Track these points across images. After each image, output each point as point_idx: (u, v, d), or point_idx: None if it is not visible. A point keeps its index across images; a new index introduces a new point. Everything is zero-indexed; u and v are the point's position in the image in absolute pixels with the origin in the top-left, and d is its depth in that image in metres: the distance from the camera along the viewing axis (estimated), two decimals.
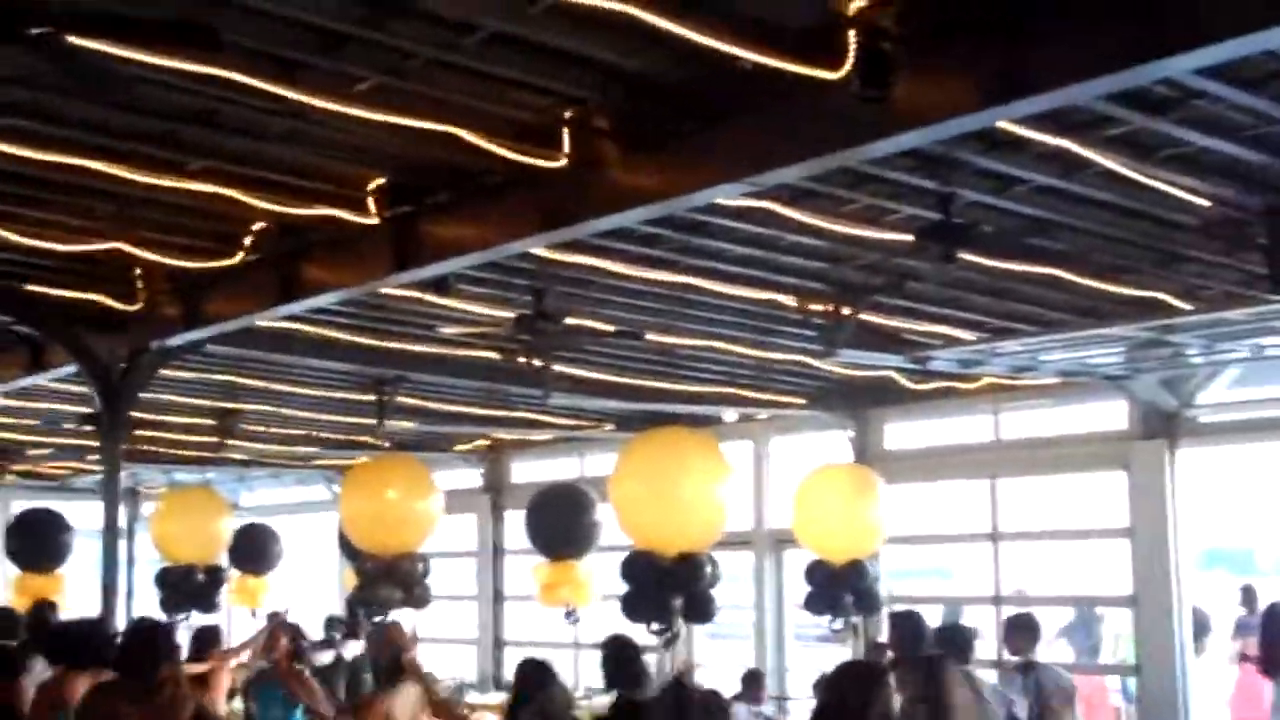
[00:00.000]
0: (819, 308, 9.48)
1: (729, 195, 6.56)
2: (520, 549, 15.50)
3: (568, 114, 6.24)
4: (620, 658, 7.97)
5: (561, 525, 12.13)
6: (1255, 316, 8.96)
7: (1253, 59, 5.13)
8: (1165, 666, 11.97)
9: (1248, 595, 13.87)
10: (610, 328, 10.22)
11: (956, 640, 8.65)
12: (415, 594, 11.52)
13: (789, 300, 9.42)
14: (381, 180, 7.19)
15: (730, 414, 14.37)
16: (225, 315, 9.19)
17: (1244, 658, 13.35)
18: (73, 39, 4.83)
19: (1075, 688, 9.61)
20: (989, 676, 9.34)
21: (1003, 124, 5.84)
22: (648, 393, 12.96)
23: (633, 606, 9.18)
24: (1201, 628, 12.88)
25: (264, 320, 9.39)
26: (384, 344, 11.07)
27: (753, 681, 12.52)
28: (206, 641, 11.66)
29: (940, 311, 9.87)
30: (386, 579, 11.45)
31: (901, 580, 14.87)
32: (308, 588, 19.38)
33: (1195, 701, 12.01)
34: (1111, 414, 12.57)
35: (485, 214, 7.15)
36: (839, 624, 12.10)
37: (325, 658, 12.39)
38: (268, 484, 22.39)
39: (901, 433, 14.37)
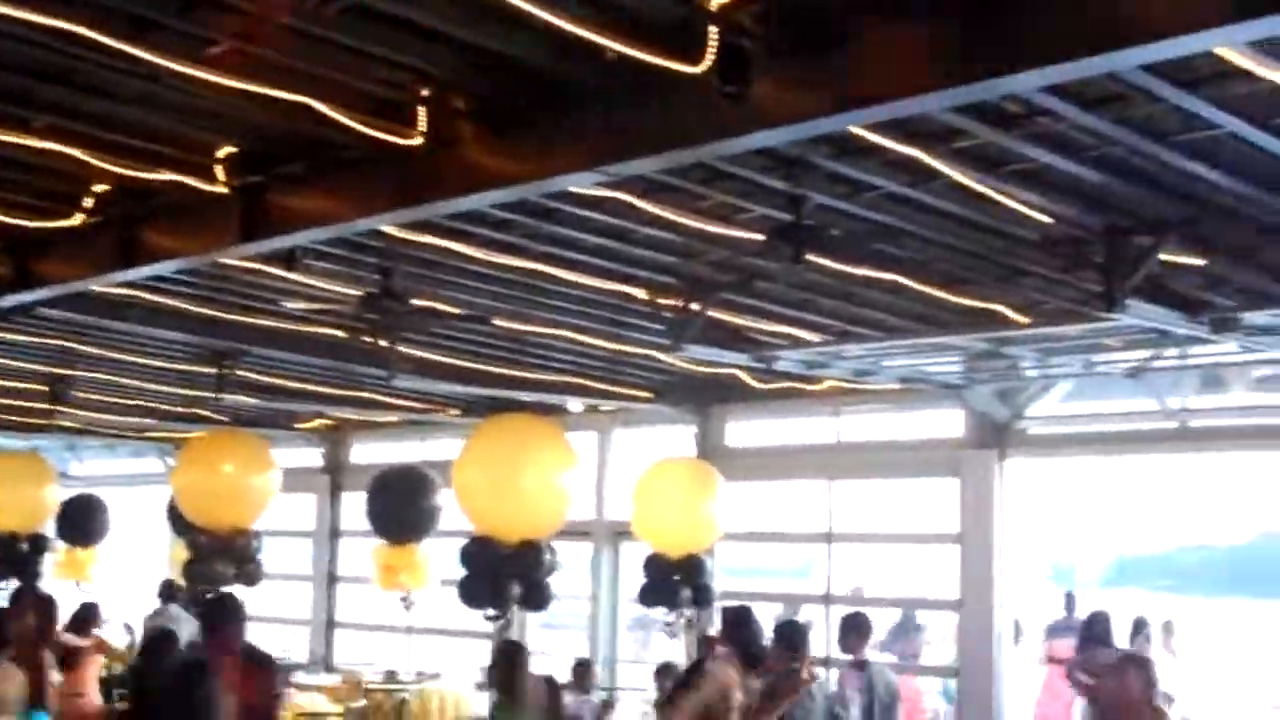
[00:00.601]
0: (669, 302, 9.54)
1: (584, 184, 6.56)
2: (358, 530, 15.37)
3: (426, 92, 6.17)
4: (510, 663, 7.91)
5: (401, 508, 12.03)
6: (1088, 333, 9.25)
7: (1096, 80, 5.28)
8: (984, 668, 12.30)
9: (1069, 600, 14.37)
10: (458, 311, 10.16)
11: (792, 636, 8.81)
12: (247, 571, 11.33)
13: (639, 293, 9.46)
14: (231, 148, 7.04)
15: (576, 404, 14.39)
16: (60, 278, 8.90)
17: (1051, 659, 13.85)
18: None
19: (898, 688, 9.86)
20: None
21: (855, 130, 5.93)
22: (494, 378, 12.90)
23: (469, 592, 9.14)
24: (1016, 631, 13.29)
25: (101, 285, 9.13)
26: (226, 316, 10.84)
27: (582, 671, 12.57)
28: (85, 619, 11.47)
29: (787, 313, 9.99)
30: (219, 555, 11.25)
31: (738, 577, 15.07)
32: (136, 561, 18.95)
33: (1009, 702, 12.36)
34: (947, 422, 12.87)
35: (337, 188, 7.03)
36: (672, 618, 12.19)
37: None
38: (100, 454, 21.85)
39: (744, 430, 14.54)
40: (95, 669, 11.85)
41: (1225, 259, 7.99)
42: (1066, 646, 14.25)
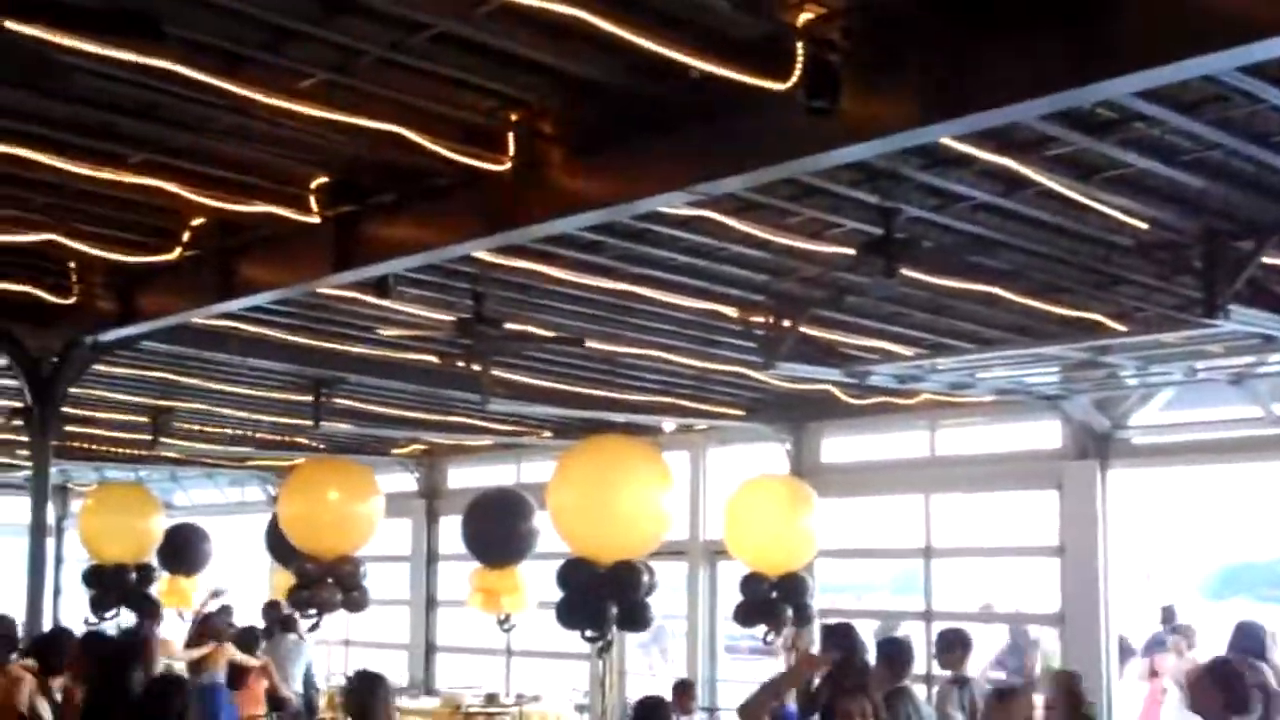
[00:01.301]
0: (759, 319, 9.51)
1: (673, 204, 6.56)
2: (455, 554, 15.45)
3: (514, 116, 6.22)
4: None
5: (498, 531, 12.07)
6: (1188, 340, 9.07)
7: (1191, 83, 5.19)
8: (1090, 684, 12.07)
9: (1167, 614, 14.09)
10: (550, 334, 10.20)
11: (895, 654, 8.71)
12: (353, 597, 11.44)
13: (730, 311, 9.44)
14: (324, 178, 7.13)
15: (669, 424, 14.38)
16: (161, 311, 9.09)
17: (1153, 674, 13.57)
18: (10, 24, 4.76)
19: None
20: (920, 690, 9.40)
21: (946, 140, 5.88)
22: (587, 400, 12.94)
23: (567, 614, 9.14)
24: (1124, 652, 13.06)
25: (200, 317, 9.29)
26: (322, 344, 10.99)
27: (682, 691, 12.52)
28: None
29: (879, 327, 9.92)
30: (326, 581, 11.38)
31: (836, 594, 14.95)
32: (238, 589, 19.20)
33: (1118, 715, 12.14)
34: (1045, 433, 12.68)
35: (428, 215, 7.11)
36: (772, 636, 12.10)
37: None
38: (201, 484, 22.17)
39: (838, 446, 14.43)
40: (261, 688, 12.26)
41: None
42: (1166, 660, 13.99)
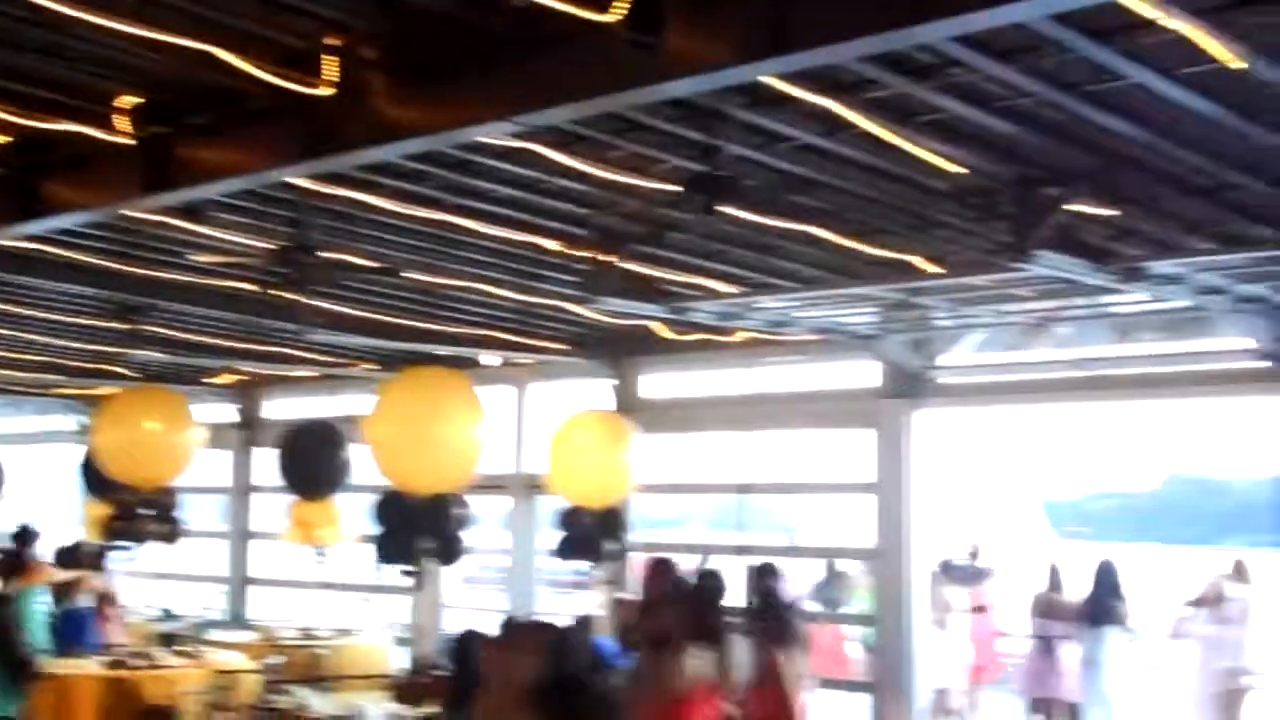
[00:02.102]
0: (582, 254, 9.51)
1: (496, 134, 6.51)
2: (272, 486, 15.23)
3: (334, 41, 6.08)
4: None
5: (313, 463, 11.94)
6: (999, 283, 9.34)
7: (1005, 31, 5.29)
8: (898, 617, 12.45)
9: (974, 551, 14.62)
10: (371, 264, 10.06)
11: (712, 585, 8.92)
12: (167, 528, 11.25)
13: (553, 245, 9.42)
14: (135, 98, 6.90)
15: (492, 358, 14.32)
16: None
17: (977, 608, 14.10)
18: None
19: (808, 636, 9.98)
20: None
21: (768, 80, 5.91)
22: (408, 332, 12.80)
23: (383, 547, 9.10)
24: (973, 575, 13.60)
25: (3, 239, 8.94)
26: (133, 269, 10.65)
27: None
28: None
29: (701, 264, 10.00)
30: (142, 512, 11.18)
31: (656, 528, 15.12)
32: (44, 520, 18.68)
33: (921, 649, 12.52)
34: (862, 372, 12.94)
35: (244, 140, 6.91)
36: (589, 569, 12.23)
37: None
38: (3, 411, 21.45)
39: (661, 383, 14.55)
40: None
41: (1132, 209, 8.09)
42: (980, 594, 14.52)
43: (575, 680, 4.67)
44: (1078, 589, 13.14)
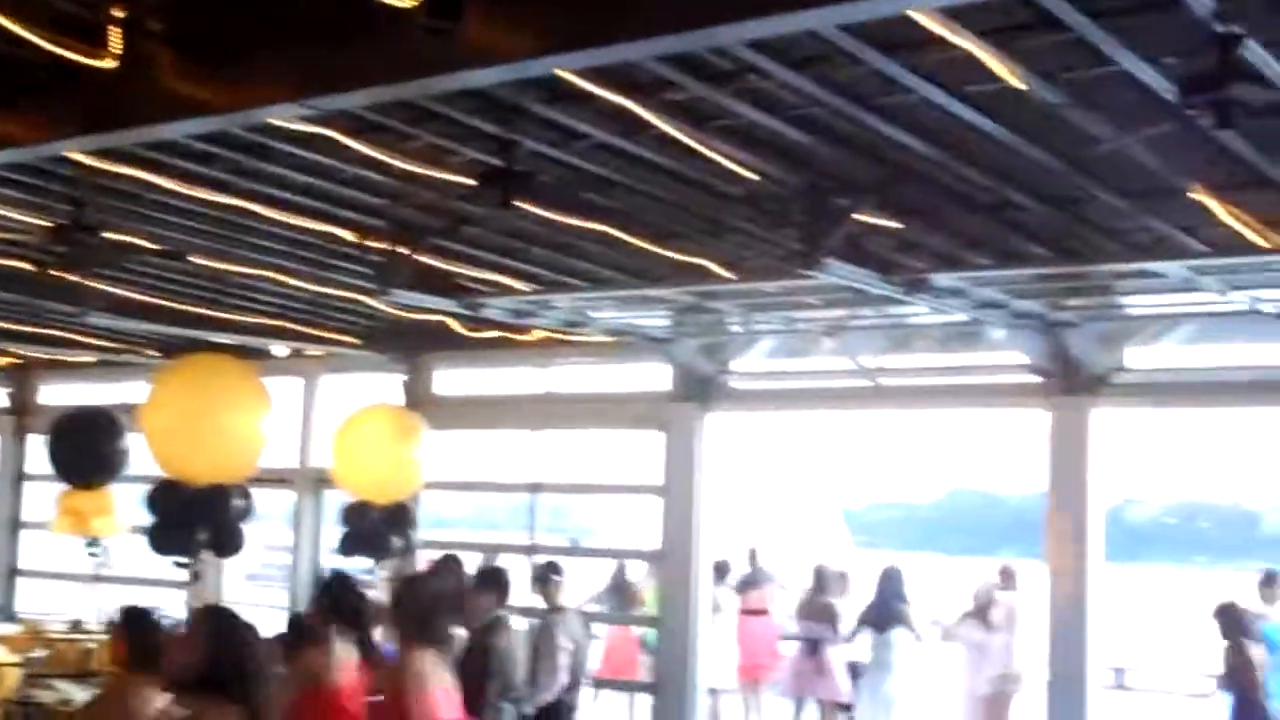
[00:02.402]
0: (377, 245, 9.38)
1: (287, 117, 6.35)
2: (45, 475, 14.66)
3: (119, 12, 5.88)
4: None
5: (86, 451, 11.52)
6: (789, 289, 9.50)
7: (801, 40, 5.38)
8: (682, 619, 12.56)
9: (753, 555, 14.91)
10: (156, 247, 9.75)
11: (496, 581, 8.91)
12: None
13: (347, 235, 9.27)
14: None
15: (280, 348, 14.02)
16: None
17: (746, 611, 14.39)
18: None
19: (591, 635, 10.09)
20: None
21: (568, 76, 5.91)
22: (193, 319, 12.43)
23: (158, 538, 8.83)
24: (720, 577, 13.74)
25: None
26: None
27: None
28: None
29: (498, 260, 9.96)
30: None
31: (446, 527, 15.01)
32: None
33: (704, 652, 12.67)
34: (655, 375, 13.03)
35: (20, 111, 6.63)
36: (377, 566, 12.06)
37: None
38: None
39: (454, 379, 14.45)
40: None
41: (918, 223, 8.31)
42: (760, 598, 14.78)
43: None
44: (861, 594, 13.47)
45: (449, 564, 10.45)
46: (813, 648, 13.52)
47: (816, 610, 13.68)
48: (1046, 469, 10.78)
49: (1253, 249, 7.85)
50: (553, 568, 10.04)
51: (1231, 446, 46.37)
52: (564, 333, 11.93)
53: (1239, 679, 10.33)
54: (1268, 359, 10.15)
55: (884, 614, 13.08)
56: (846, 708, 13.51)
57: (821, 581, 13.82)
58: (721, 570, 13.57)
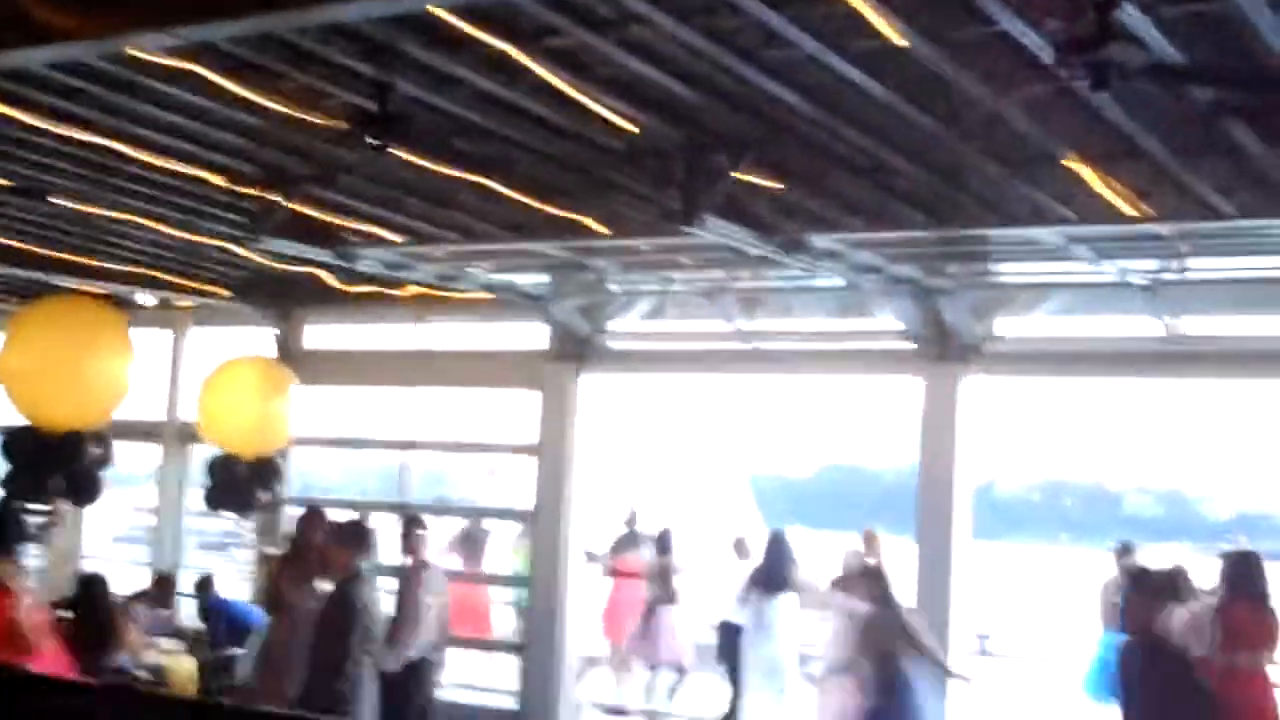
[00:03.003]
0: (249, 191, 9.14)
1: (151, 47, 6.13)
2: None
3: None
4: None
5: None
6: (666, 248, 9.45)
7: None
8: (552, 579, 12.51)
9: (632, 517, 14.88)
10: (12, 184, 9.40)
11: (357, 535, 8.85)
12: None
13: (218, 180, 9.01)
14: None
15: (147, 296, 13.64)
16: None
17: (617, 572, 14.37)
18: None
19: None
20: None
21: (447, 18, 5.78)
22: (54, 263, 12.01)
23: (11, 484, 8.55)
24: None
25: None
26: None
27: (165, 585, 12.24)
28: None
29: (372, 211, 9.77)
30: None
31: (318, 482, 14.78)
32: None
33: (574, 612, 12.63)
34: (532, 334, 12.92)
35: None
36: (239, 521, 11.86)
37: None
38: None
39: (326, 334, 14.21)
40: None
41: (798, 184, 8.29)
42: (635, 559, 14.75)
43: None
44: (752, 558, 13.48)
45: (311, 518, 10.30)
46: (652, 610, 13.62)
47: (655, 572, 13.76)
48: (918, 440, 10.87)
49: (1125, 219, 7.96)
50: (416, 521, 9.96)
51: (1095, 426, 47.48)
52: (440, 289, 11.77)
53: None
54: (1135, 330, 10.31)
55: (771, 577, 13.07)
56: (678, 668, 13.65)
57: (664, 543, 13.85)
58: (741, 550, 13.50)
